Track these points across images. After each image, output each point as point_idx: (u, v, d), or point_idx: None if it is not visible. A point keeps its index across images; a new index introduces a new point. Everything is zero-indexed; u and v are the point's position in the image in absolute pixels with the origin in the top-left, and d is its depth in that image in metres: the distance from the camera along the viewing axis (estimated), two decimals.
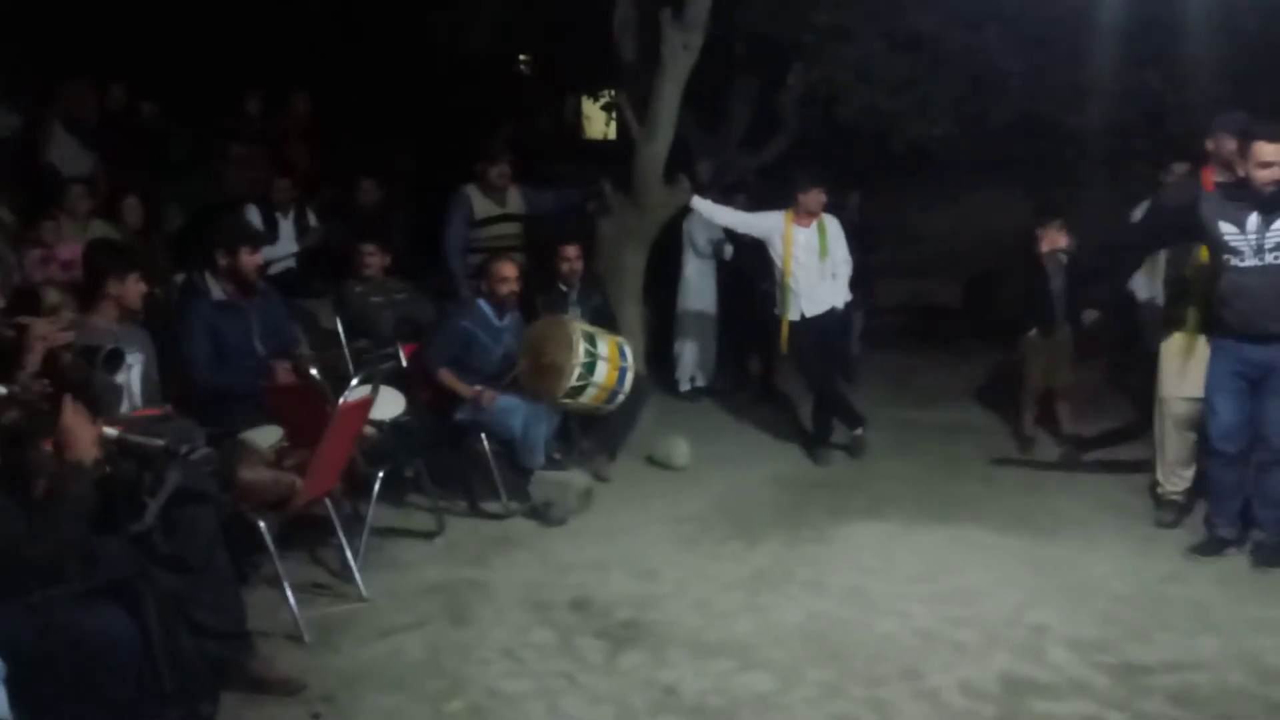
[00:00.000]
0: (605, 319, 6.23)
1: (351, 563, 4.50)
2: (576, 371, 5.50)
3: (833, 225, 6.54)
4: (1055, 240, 6.36)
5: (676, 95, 6.57)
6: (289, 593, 4.11)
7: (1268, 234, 4.44)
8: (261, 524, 4.07)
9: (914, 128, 7.90)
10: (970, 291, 9.99)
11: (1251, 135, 4.44)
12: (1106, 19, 7.17)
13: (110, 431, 3.14)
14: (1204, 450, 4.94)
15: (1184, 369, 5.04)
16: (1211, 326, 4.79)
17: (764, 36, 7.94)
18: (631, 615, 4.29)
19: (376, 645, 4.05)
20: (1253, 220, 4.46)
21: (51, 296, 5.34)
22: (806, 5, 7.53)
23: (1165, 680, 3.76)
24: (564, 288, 6.31)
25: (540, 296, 6.27)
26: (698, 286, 7.94)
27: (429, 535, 5.18)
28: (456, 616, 4.30)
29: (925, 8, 7.39)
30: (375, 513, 4.87)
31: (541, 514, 5.37)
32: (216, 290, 4.85)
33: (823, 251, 6.45)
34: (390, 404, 5.02)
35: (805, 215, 6.43)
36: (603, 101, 11.07)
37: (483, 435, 5.56)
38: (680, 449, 6.34)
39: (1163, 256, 5.32)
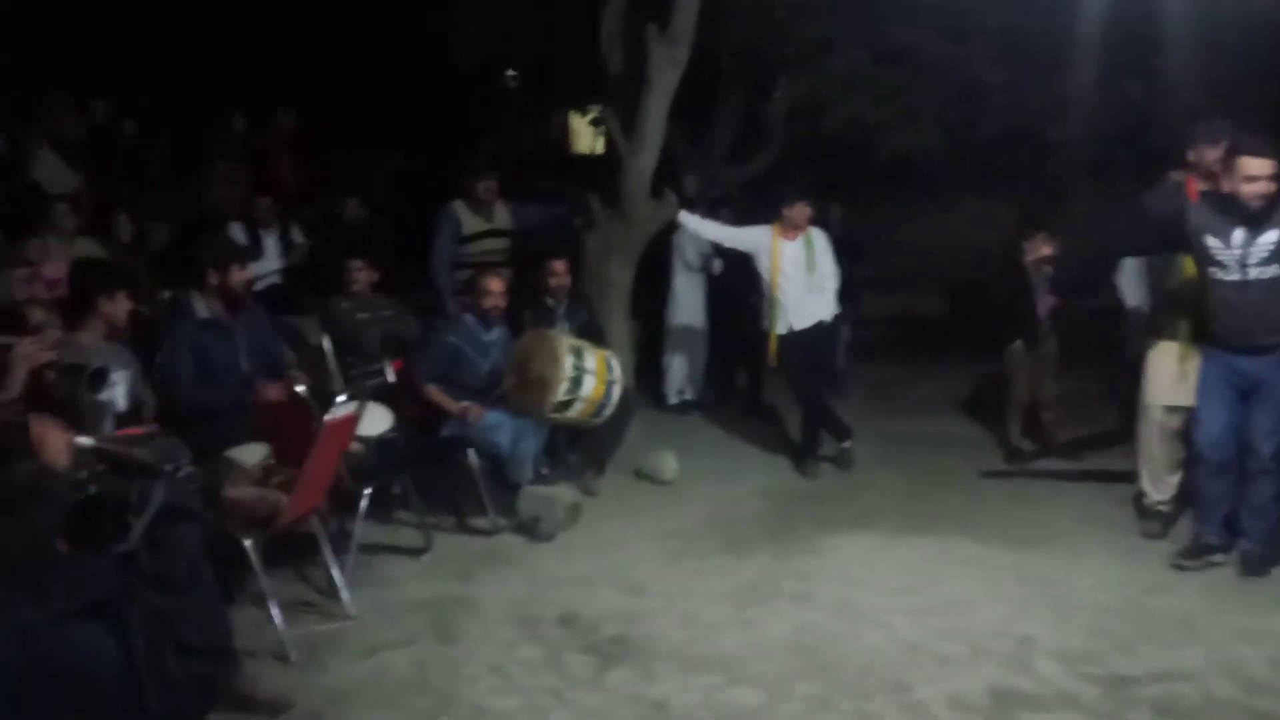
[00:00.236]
0: (592, 333, 6.24)
1: (338, 580, 4.48)
2: (563, 386, 5.50)
3: (819, 238, 6.57)
4: (1040, 251, 6.43)
5: (663, 109, 6.60)
6: (275, 611, 4.09)
7: (1252, 249, 4.46)
8: (247, 542, 4.06)
9: (898, 140, 7.95)
10: (955, 303, 10.04)
11: (1237, 150, 4.46)
12: (1089, 31, 7.24)
13: (85, 441, 3.14)
14: (1191, 458, 4.96)
15: (1171, 377, 5.06)
16: (1202, 336, 4.81)
17: (749, 50, 7.97)
18: (619, 630, 4.29)
19: (363, 663, 4.04)
20: (1238, 235, 4.48)
21: (36, 315, 5.33)
22: (791, 18, 7.58)
23: (1151, 691, 3.77)
24: (551, 302, 6.32)
25: (527, 312, 6.27)
26: (686, 300, 7.96)
27: (416, 552, 5.16)
28: (444, 633, 4.28)
29: (909, 20, 7.44)
30: (362, 529, 4.86)
31: (529, 529, 5.37)
32: (202, 308, 4.84)
33: (810, 265, 6.47)
34: (377, 420, 5.02)
35: (791, 229, 6.46)
36: (590, 116, 11.11)
37: (470, 451, 5.55)
38: (668, 463, 6.34)
39: (1146, 264, 5.35)
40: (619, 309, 6.91)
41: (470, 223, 6.90)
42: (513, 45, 9.08)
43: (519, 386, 5.62)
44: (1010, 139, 8.11)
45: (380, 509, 5.29)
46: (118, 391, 4.22)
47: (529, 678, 3.92)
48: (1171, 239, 4.76)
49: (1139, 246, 5.20)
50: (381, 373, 5.61)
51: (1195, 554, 4.77)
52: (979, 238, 9.39)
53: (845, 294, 6.79)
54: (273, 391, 4.77)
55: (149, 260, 6.98)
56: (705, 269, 7.91)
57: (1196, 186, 4.98)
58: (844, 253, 6.67)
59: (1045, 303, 6.54)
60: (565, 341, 5.67)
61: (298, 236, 7.36)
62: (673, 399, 7.97)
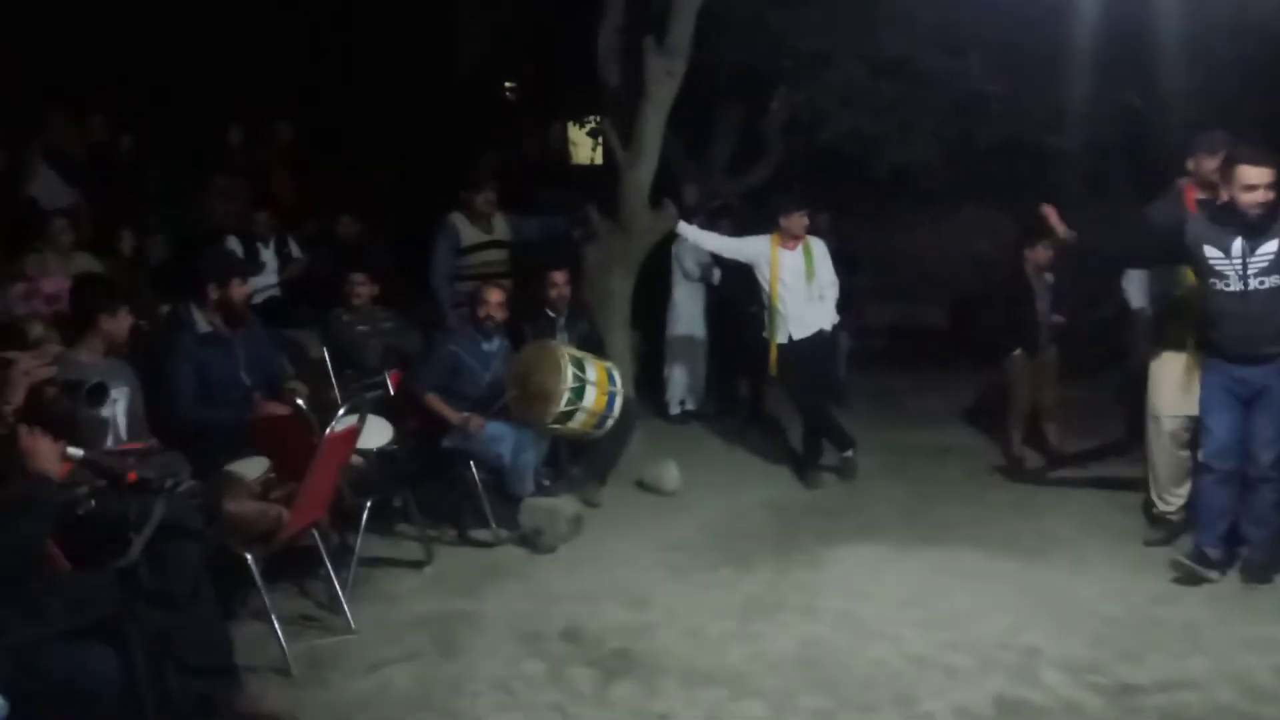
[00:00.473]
0: (593, 344, 6.23)
1: (340, 595, 4.46)
2: (565, 396, 5.49)
3: (819, 247, 6.57)
4: (1040, 260, 6.43)
5: (660, 121, 6.60)
6: (277, 626, 4.07)
7: (1252, 259, 4.46)
8: (248, 557, 4.04)
9: (896, 151, 7.97)
10: (956, 313, 10.04)
11: (1235, 159, 4.46)
12: (1086, 43, 7.26)
13: (75, 452, 3.14)
14: (1196, 467, 4.94)
15: (1177, 386, 5.05)
16: (1204, 345, 4.81)
17: (746, 63, 7.99)
18: (622, 644, 4.27)
19: (365, 679, 4.01)
20: (1237, 245, 4.48)
21: (35, 330, 5.32)
22: (788, 32, 7.59)
23: (1157, 700, 3.75)
24: (552, 314, 6.31)
25: (527, 323, 6.27)
26: (686, 311, 7.96)
27: (418, 565, 5.14)
28: (446, 648, 4.26)
29: (906, 33, 7.46)
30: (363, 543, 4.84)
31: (531, 542, 5.35)
32: (202, 323, 4.85)
33: (809, 274, 6.48)
34: (377, 433, 5.00)
35: (790, 239, 6.46)
36: (588, 127, 11.12)
37: (471, 463, 5.53)
38: (670, 473, 6.33)
39: (1151, 271, 5.34)
40: (619, 320, 6.90)
41: (469, 234, 6.90)
42: (511, 57, 9.11)
43: (521, 397, 5.61)
44: (1008, 149, 8.12)
45: (381, 522, 5.27)
46: (117, 407, 4.21)
47: (532, 693, 3.90)
48: (1172, 250, 4.76)
49: (1141, 258, 5.19)
50: (382, 385, 5.61)
51: (1194, 560, 4.73)
52: (978, 247, 9.41)
53: (842, 304, 6.79)
54: (273, 405, 4.76)
55: (148, 274, 6.97)
56: (704, 279, 7.92)
57: (1195, 195, 4.99)
58: (837, 263, 6.67)
59: (1047, 313, 6.55)
60: (567, 352, 5.67)
61: (295, 250, 7.36)
62: (674, 409, 7.97)
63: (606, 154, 7.13)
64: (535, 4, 7.94)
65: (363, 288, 6.20)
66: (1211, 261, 4.54)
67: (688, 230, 6.75)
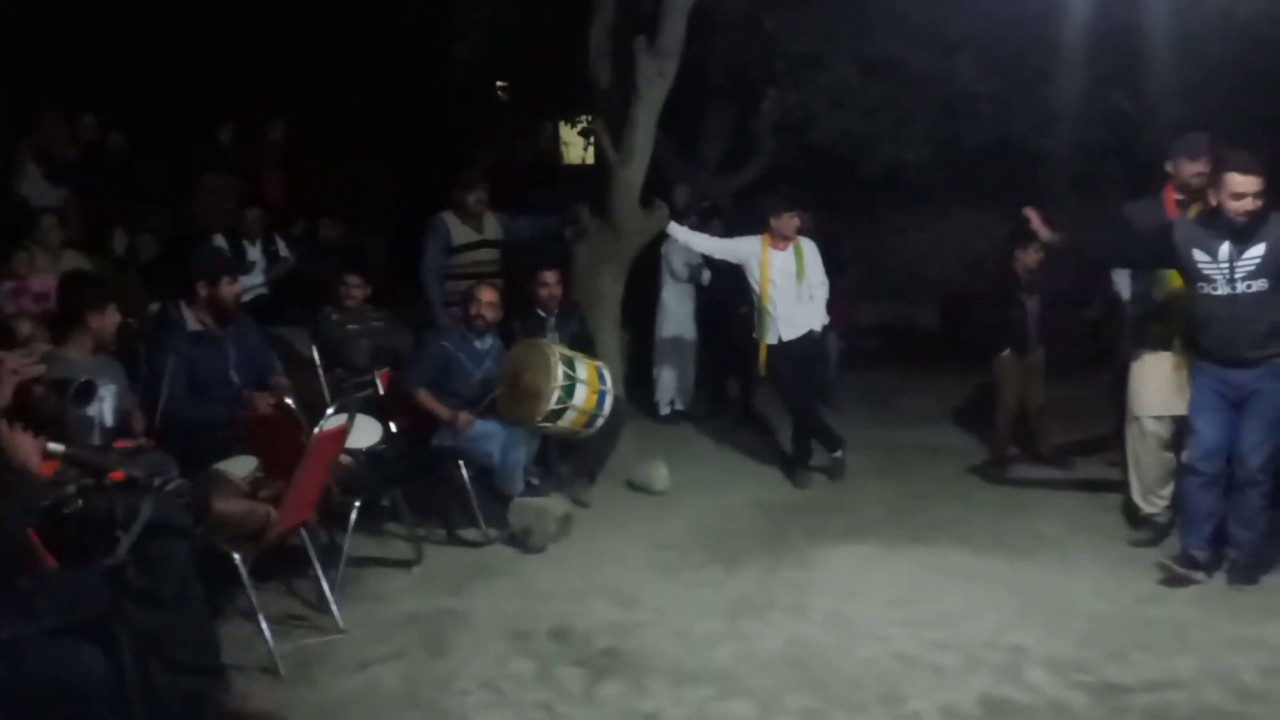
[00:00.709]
0: (583, 344, 6.24)
1: (328, 594, 4.46)
2: (555, 395, 5.50)
3: (809, 248, 6.59)
4: (1030, 261, 6.45)
5: (652, 122, 6.61)
6: (264, 625, 4.06)
7: (1239, 263, 4.48)
8: (236, 556, 4.04)
9: (887, 152, 7.98)
10: (947, 313, 10.07)
11: (1224, 166, 4.47)
12: (1076, 44, 7.28)
13: (56, 447, 3.15)
14: (1182, 469, 4.96)
15: (1158, 387, 5.08)
16: (1191, 348, 4.83)
17: (738, 64, 8.00)
18: (611, 643, 4.27)
19: (353, 677, 4.01)
20: (1224, 249, 4.50)
21: (24, 328, 5.31)
22: (779, 33, 7.60)
23: (1143, 700, 3.77)
24: (542, 313, 6.32)
25: (518, 322, 6.27)
26: (676, 311, 7.97)
27: (406, 565, 5.14)
28: (434, 647, 4.26)
29: (898, 34, 7.47)
30: (352, 543, 4.85)
31: (520, 541, 5.35)
32: (191, 321, 4.84)
33: (799, 274, 6.49)
34: (366, 433, 5.00)
35: (780, 239, 6.47)
36: (580, 127, 11.12)
37: (460, 462, 5.54)
38: (660, 473, 6.34)
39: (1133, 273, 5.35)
40: (610, 320, 6.91)
41: (460, 233, 6.89)
42: (503, 57, 9.09)
43: (511, 395, 5.62)
44: (998, 150, 8.14)
45: (370, 522, 5.27)
46: (105, 406, 4.20)
47: (520, 692, 3.90)
48: (1159, 253, 4.77)
49: (1129, 260, 5.21)
50: (371, 385, 5.60)
51: (1181, 564, 4.75)
52: (969, 248, 9.44)
53: (829, 304, 6.80)
54: (262, 404, 4.76)
55: (139, 272, 6.96)
56: (694, 280, 7.93)
57: (1174, 197, 5.01)
58: (823, 263, 6.66)
59: (1036, 313, 6.57)
60: (557, 351, 5.68)
61: (283, 249, 7.35)
62: (664, 409, 7.97)
63: (598, 154, 7.14)
64: (527, 3, 7.93)
65: (357, 290, 6.19)
66: (1200, 265, 4.56)
67: (678, 231, 6.76)
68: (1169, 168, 5.03)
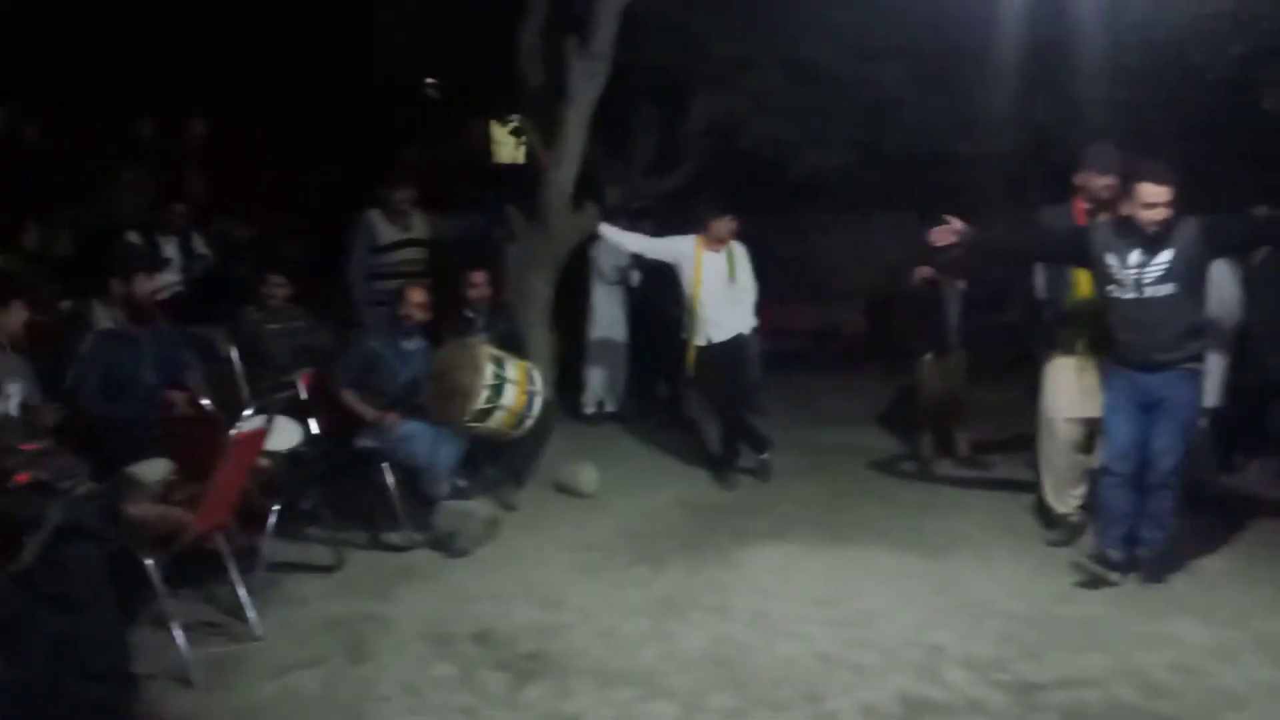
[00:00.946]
0: (513, 345, 6.20)
1: (245, 599, 4.37)
2: (484, 394, 5.45)
3: (740, 251, 6.63)
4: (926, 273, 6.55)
5: (582, 123, 6.59)
6: (178, 632, 3.97)
7: (1148, 269, 4.60)
8: (148, 561, 3.93)
9: (812, 156, 8.05)
10: (871, 316, 10.20)
11: (1136, 176, 4.59)
12: (997, 53, 7.44)
13: None
14: (1097, 471, 5.08)
15: (1069, 390, 5.22)
16: (1103, 352, 4.96)
17: (666, 67, 8.02)
18: (535, 646, 4.25)
19: (270, 685, 3.94)
20: (1135, 255, 4.62)
21: None
22: (707, 37, 7.64)
23: (1057, 697, 3.86)
24: (471, 314, 6.27)
25: (446, 323, 6.21)
26: (605, 313, 7.97)
27: (327, 569, 5.05)
28: (355, 652, 4.20)
29: (823, 40, 7.55)
30: (271, 547, 4.76)
31: (445, 545, 5.29)
32: (105, 319, 4.73)
33: (731, 277, 6.53)
34: (287, 434, 4.92)
35: (715, 242, 6.51)
36: (511, 126, 11.05)
37: (384, 464, 5.46)
38: (588, 475, 6.32)
39: (1045, 282, 5.47)
40: (539, 320, 6.88)
41: (386, 232, 6.81)
42: (432, 53, 9.00)
43: (439, 395, 5.56)
44: (921, 156, 8.28)
45: (290, 525, 5.16)
46: (10, 404, 4.08)
47: (442, 696, 3.86)
48: (1075, 252, 4.91)
49: (1046, 254, 5.31)
50: (292, 385, 5.50)
51: (1097, 564, 4.85)
52: (893, 252, 9.55)
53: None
54: (178, 405, 4.65)
55: (51, 269, 6.74)
56: (622, 282, 7.92)
57: (1083, 207, 5.15)
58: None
59: (956, 316, 6.68)
60: (486, 350, 5.63)
61: (200, 247, 7.18)
62: (589, 409, 7.96)
63: (528, 154, 7.10)
64: (457, 1, 7.87)
65: (280, 290, 6.08)
66: (1111, 269, 4.68)
67: (609, 232, 6.75)
68: (1078, 180, 5.16)
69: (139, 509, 4.01)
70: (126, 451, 4.34)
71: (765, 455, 6.66)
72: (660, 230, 7.20)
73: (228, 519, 4.40)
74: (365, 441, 5.53)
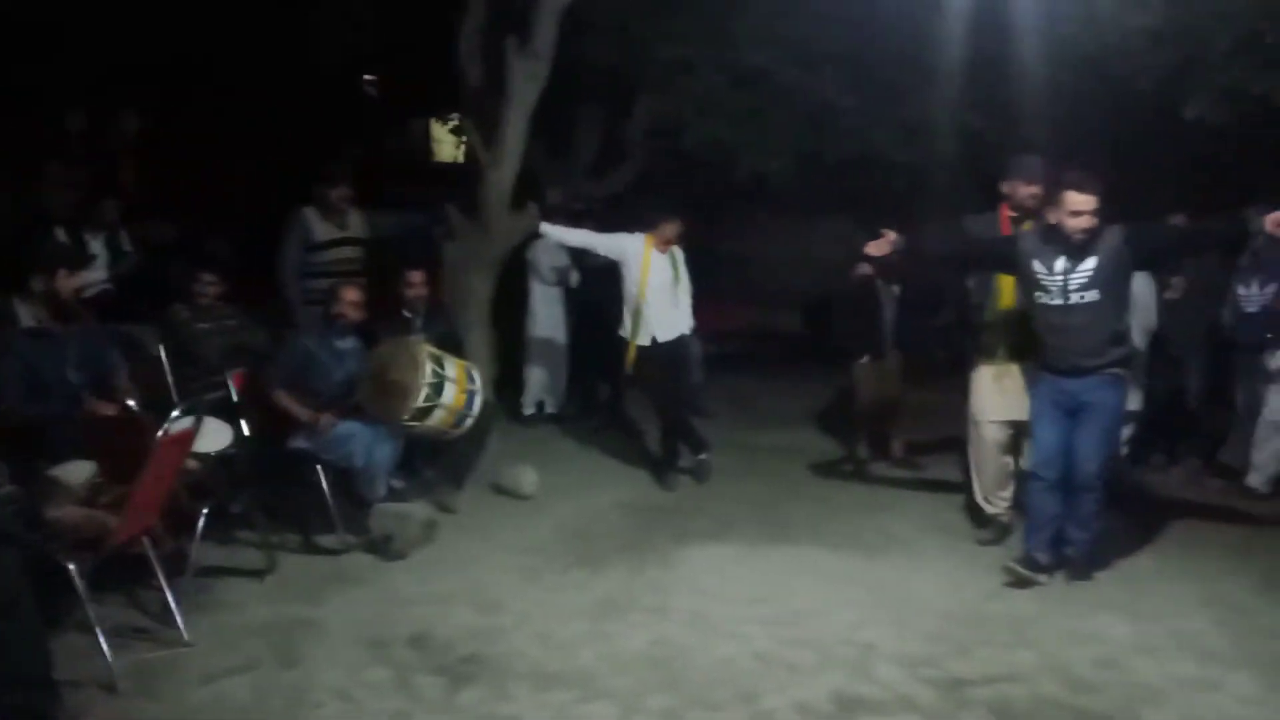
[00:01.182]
0: (451, 345, 6.14)
1: (173, 605, 4.28)
2: (424, 392, 5.40)
3: (679, 253, 6.66)
4: (866, 268, 6.64)
5: (523, 123, 6.57)
6: (102, 638, 3.87)
7: (1073, 276, 4.70)
8: (71, 565, 3.83)
9: (753, 160, 8.12)
10: (809, 318, 10.31)
11: (1063, 184, 4.68)
12: (935, 62, 7.57)
13: None
14: (1023, 475, 5.18)
15: (995, 393, 5.33)
16: (1028, 358, 5.07)
17: (609, 68, 8.03)
18: (473, 649, 4.22)
19: (199, 691, 3.86)
20: (1060, 263, 4.71)
21: None
22: (651, 39, 7.66)
23: (985, 693, 3.93)
24: (408, 314, 6.21)
25: (383, 323, 6.14)
26: (544, 314, 7.94)
27: (258, 573, 4.96)
28: (286, 658, 4.13)
29: (765, 45, 7.62)
30: (200, 551, 4.66)
31: (381, 548, 5.23)
32: (27, 316, 4.59)
33: (675, 278, 6.57)
34: (216, 436, 4.82)
35: (663, 242, 6.53)
36: (451, 125, 10.97)
37: (319, 465, 5.38)
38: (528, 477, 6.29)
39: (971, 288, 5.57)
40: (479, 320, 6.83)
41: (321, 230, 6.72)
42: (372, 51, 8.92)
43: (377, 392, 5.49)
44: (860, 162, 8.39)
45: (220, 529, 5.07)
46: None
47: (376, 701, 3.82)
48: (1002, 258, 5.01)
49: (974, 260, 5.40)
50: (222, 385, 5.40)
51: (1024, 566, 4.94)
52: (831, 255, 9.67)
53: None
54: (102, 405, 4.54)
55: None
56: (562, 283, 7.90)
57: (1009, 215, 5.25)
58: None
59: (891, 320, 6.78)
60: (426, 349, 5.58)
61: (126, 244, 7.02)
62: (529, 410, 7.93)
63: (468, 153, 7.05)
64: None
65: (211, 289, 5.96)
66: (1037, 276, 4.77)
67: (551, 230, 6.73)
68: (1005, 189, 5.27)
69: (62, 512, 3.90)
70: (49, 453, 4.23)
71: (704, 456, 6.69)
72: (601, 231, 7.20)
73: (155, 522, 4.30)
74: (299, 442, 5.44)
